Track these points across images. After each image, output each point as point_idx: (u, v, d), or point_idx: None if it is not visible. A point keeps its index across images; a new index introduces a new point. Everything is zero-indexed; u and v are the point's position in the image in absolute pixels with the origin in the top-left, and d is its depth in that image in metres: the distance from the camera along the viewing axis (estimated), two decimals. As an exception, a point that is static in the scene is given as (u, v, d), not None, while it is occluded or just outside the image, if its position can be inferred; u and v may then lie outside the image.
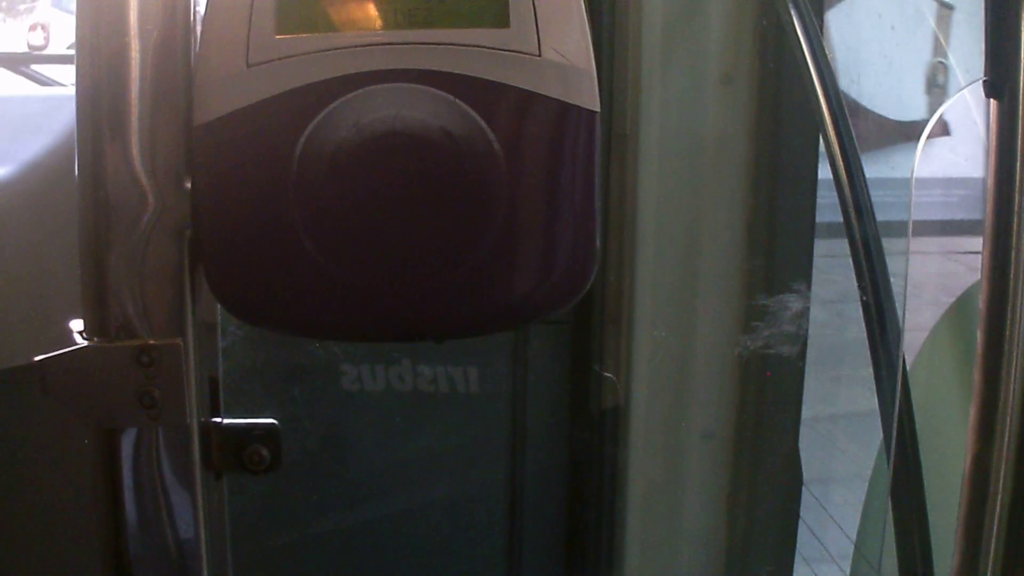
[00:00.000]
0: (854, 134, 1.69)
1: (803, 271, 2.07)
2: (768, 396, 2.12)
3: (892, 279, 1.62)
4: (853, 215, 1.63)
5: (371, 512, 2.15)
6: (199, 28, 0.74)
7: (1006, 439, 1.16)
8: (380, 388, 2.04)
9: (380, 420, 2.11)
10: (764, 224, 2.05)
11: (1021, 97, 1.11)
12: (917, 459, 1.52)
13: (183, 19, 0.74)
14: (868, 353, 1.61)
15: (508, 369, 2.12)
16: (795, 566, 2.22)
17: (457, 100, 0.71)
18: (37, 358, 0.75)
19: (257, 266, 0.74)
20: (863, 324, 1.61)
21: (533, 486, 2.18)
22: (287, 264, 0.73)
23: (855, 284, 1.63)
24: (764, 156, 2.02)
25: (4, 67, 2.59)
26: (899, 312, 1.59)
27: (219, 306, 0.80)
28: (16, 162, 1.31)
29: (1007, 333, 1.15)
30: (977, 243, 1.17)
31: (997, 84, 1.13)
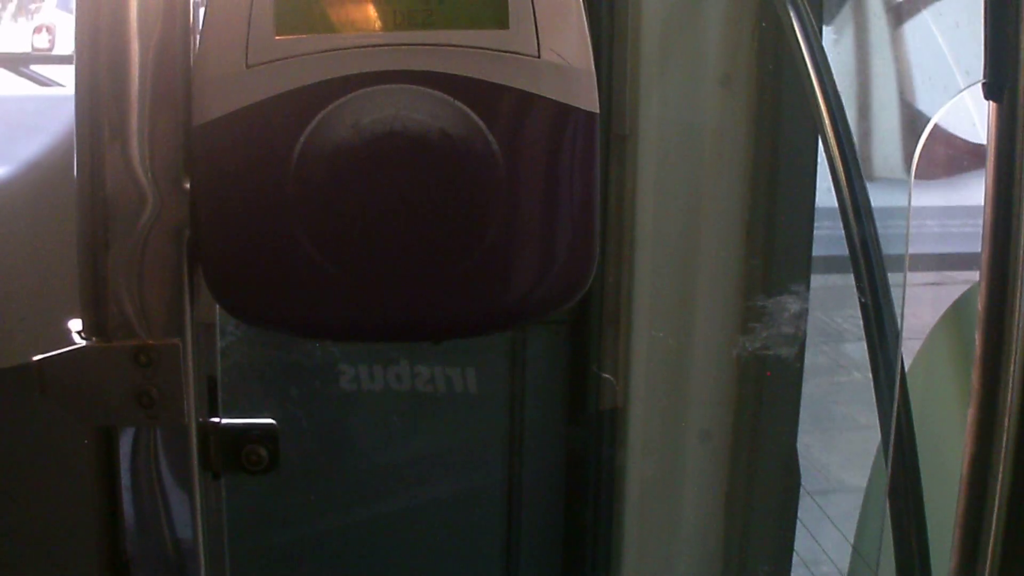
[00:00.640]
0: (852, 134, 1.69)
1: (801, 272, 2.07)
2: (766, 397, 2.12)
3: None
4: (851, 216, 1.63)
5: (369, 512, 2.15)
6: (199, 28, 0.74)
7: (1004, 441, 1.16)
8: (378, 388, 2.04)
9: (378, 420, 2.11)
10: (762, 225, 2.05)
11: (1020, 99, 1.11)
12: (915, 461, 1.52)
13: (183, 19, 0.74)
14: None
15: (506, 369, 2.12)
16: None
17: (456, 101, 0.71)
18: (35, 358, 0.75)
19: (256, 266, 0.74)
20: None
21: (531, 486, 2.18)
22: (285, 264, 0.73)
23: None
24: (763, 157, 2.02)
25: (4, 68, 2.60)
26: (897, 314, 1.59)
27: (217, 306, 0.80)
28: (15, 162, 1.31)
29: (1006, 335, 1.15)
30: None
31: (996, 86, 1.13)
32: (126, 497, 0.79)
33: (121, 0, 0.72)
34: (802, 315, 2.02)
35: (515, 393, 2.13)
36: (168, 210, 0.74)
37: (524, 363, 2.12)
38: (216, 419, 0.86)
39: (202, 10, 0.74)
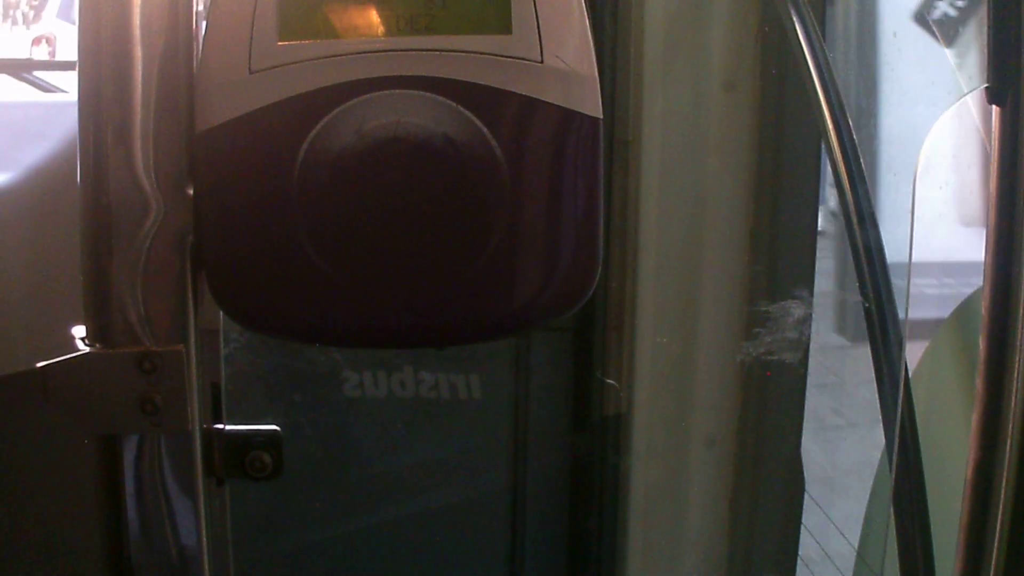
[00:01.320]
0: (856, 139, 1.69)
1: (805, 277, 2.07)
2: (770, 402, 2.12)
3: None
4: (855, 221, 1.63)
5: (373, 518, 2.14)
6: (202, 34, 0.74)
7: (1008, 446, 1.15)
8: (382, 395, 2.04)
9: (382, 427, 2.11)
10: (766, 230, 2.05)
11: (1023, 104, 1.11)
12: (919, 466, 1.52)
13: (185, 26, 0.74)
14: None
15: (510, 375, 2.12)
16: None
17: (459, 107, 0.71)
18: (39, 364, 0.75)
19: (259, 272, 0.74)
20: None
21: (535, 492, 2.18)
22: (289, 270, 0.72)
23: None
24: (766, 162, 2.02)
25: (7, 73, 2.60)
26: (901, 319, 1.58)
27: (221, 313, 0.80)
28: (19, 168, 1.31)
29: (1009, 340, 1.15)
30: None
31: (999, 91, 1.13)
32: (130, 504, 0.79)
33: (124, 6, 0.72)
34: (806, 320, 2.01)
35: (519, 399, 2.13)
36: (171, 216, 0.74)
37: (528, 369, 2.12)
38: (220, 425, 0.86)
39: (205, 17, 0.74)
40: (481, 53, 0.71)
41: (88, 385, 0.75)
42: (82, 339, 0.76)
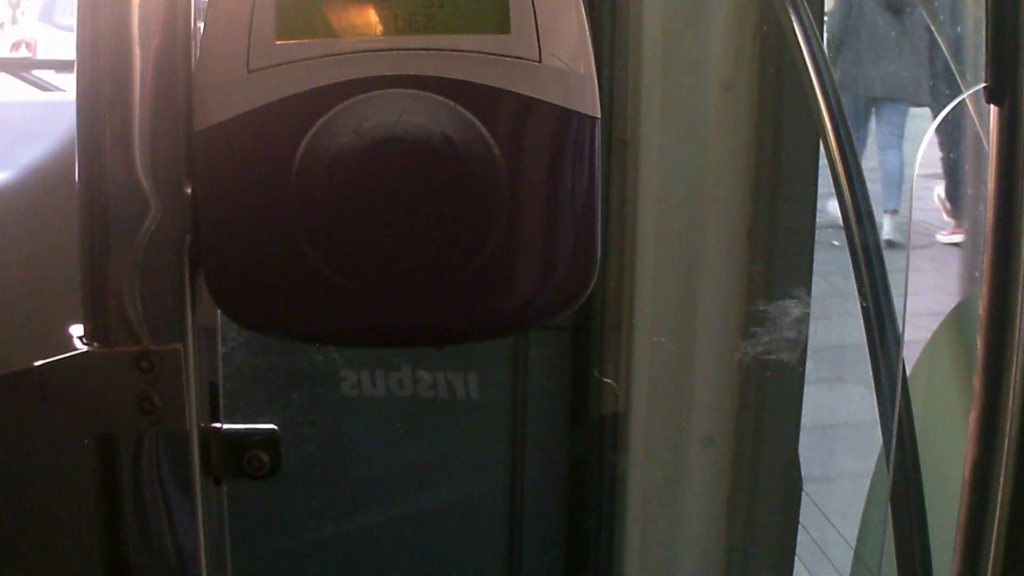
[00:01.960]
0: (854, 139, 1.69)
1: (803, 277, 2.07)
2: (768, 402, 2.12)
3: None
4: (853, 221, 1.63)
5: (371, 518, 2.14)
6: (200, 33, 0.74)
7: (1006, 445, 1.16)
8: (380, 394, 2.04)
9: (380, 426, 2.11)
10: (764, 230, 2.05)
11: (1022, 103, 1.11)
12: (917, 465, 1.52)
13: (183, 24, 0.74)
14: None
15: (508, 375, 2.12)
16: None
17: (457, 106, 0.71)
18: (37, 363, 0.75)
19: (257, 272, 0.74)
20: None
21: (533, 492, 2.18)
22: (287, 270, 0.73)
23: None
24: (764, 161, 2.02)
25: (5, 72, 2.60)
26: (899, 318, 1.59)
27: (219, 311, 0.80)
28: (17, 167, 1.32)
29: (1007, 339, 1.15)
30: None
31: (998, 90, 1.13)
32: (128, 502, 0.79)
33: (122, 5, 0.72)
34: (803, 320, 2.01)
35: (517, 398, 2.13)
36: (169, 215, 0.74)
37: (526, 368, 2.12)
38: (218, 424, 0.86)
39: (203, 16, 0.74)
40: (479, 52, 0.72)
41: (86, 384, 0.75)
42: (80, 338, 0.76)
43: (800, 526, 2.19)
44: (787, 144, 2.02)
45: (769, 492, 2.16)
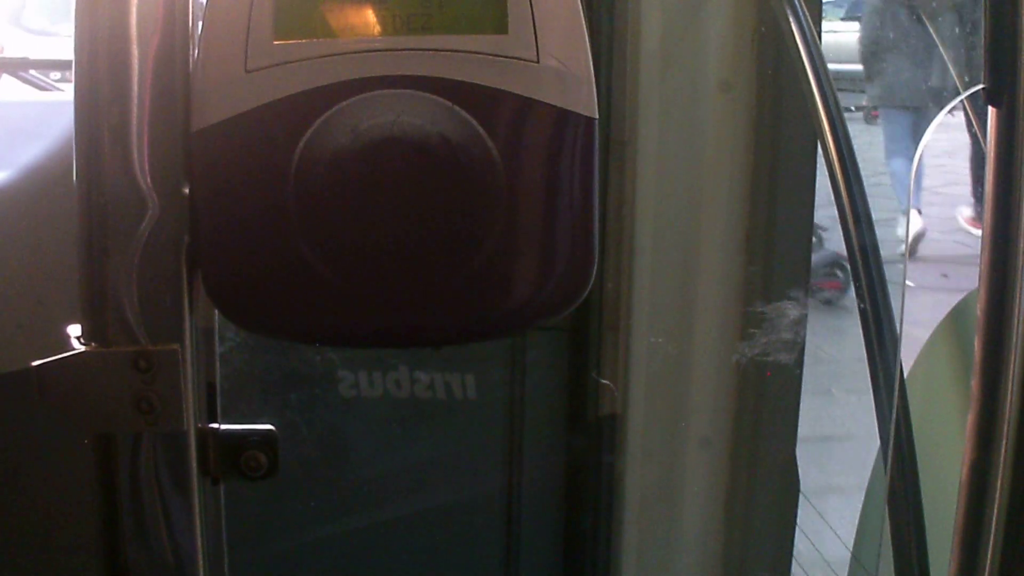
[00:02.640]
0: (852, 140, 1.69)
1: (801, 279, 2.07)
2: (765, 404, 2.12)
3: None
4: (851, 222, 1.63)
5: (368, 519, 2.14)
6: (198, 33, 0.74)
7: (1003, 447, 1.15)
8: (377, 394, 2.04)
9: (378, 426, 2.11)
10: (762, 231, 2.05)
11: (1020, 105, 1.11)
12: (914, 467, 1.52)
13: (182, 24, 0.74)
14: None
15: (506, 376, 2.12)
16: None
17: (455, 106, 0.71)
18: (34, 363, 0.75)
19: (255, 272, 0.74)
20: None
21: (530, 493, 2.17)
22: (285, 270, 0.73)
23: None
24: (762, 163, 2.02)
25: (3, 71, 2.59)
26: (896, 320, 1.59)
27: (217, 312, 0.80)
28: (14, 167, 1.31)
29: (1005, 341, 1.15)
30: None
31: (996, 92, 1.13)
32: (125, 503, 0.79)
33: (120, 5, 0.72)
34: (801, 321, 2.02)
35: (514, 399, 2.13)
36: (167, 215, 0.74)
37: (524, 369, 2.12)
38: (215, 425, 0.86)
39: (201, 16, 0.74)
40: (477, 53, 0.72)
41: (83, 384, 0.75)
42: (77, 338, 0.76)
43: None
44: (785, 145, 2.02)
45: (766, 493, 2.16)
